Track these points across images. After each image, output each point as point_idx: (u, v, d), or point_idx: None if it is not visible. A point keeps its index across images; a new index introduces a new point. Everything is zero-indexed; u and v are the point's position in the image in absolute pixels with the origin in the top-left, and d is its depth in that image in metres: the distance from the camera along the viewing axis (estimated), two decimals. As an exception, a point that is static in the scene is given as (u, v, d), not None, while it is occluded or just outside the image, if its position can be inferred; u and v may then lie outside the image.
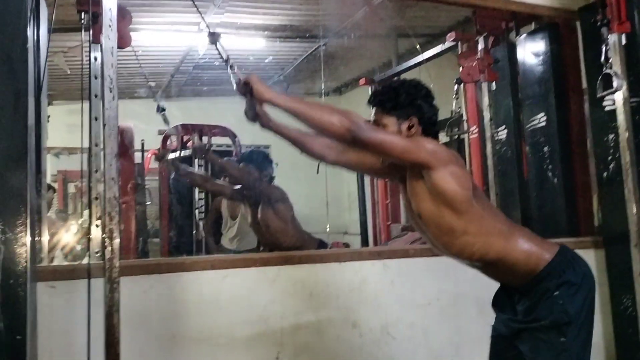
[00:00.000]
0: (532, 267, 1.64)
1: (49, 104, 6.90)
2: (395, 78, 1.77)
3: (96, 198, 2.01)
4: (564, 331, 1.60)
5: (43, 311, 1.96)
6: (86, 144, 2.14)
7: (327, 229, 3.23)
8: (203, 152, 3.79)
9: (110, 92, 1.72)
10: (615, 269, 2.92)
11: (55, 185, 6.78)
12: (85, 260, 2.06)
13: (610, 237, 2.97)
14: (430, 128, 1.72)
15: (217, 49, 1.87)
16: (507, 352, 1.77)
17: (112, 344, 1.64)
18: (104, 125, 1.71)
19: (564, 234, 3.05)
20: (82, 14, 2.26)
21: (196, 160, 4.81)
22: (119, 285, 1.72)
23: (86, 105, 2.16)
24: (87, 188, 2.19)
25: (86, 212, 2.13)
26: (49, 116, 5.65)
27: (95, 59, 2.22)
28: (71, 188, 7.69)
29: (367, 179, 5.99)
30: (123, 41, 2.32)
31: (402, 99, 1.69)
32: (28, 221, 1.47)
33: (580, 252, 1.78)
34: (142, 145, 4.41)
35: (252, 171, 3.28)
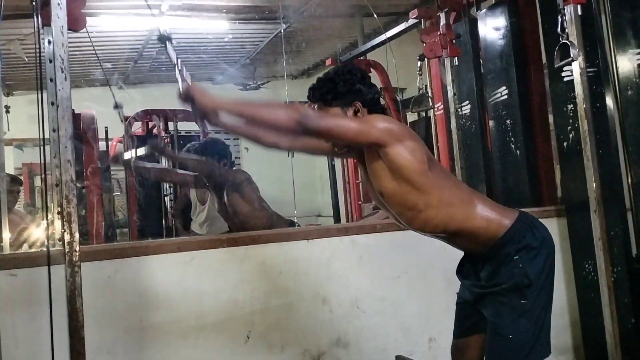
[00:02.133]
0: (492, 234, 1.68)
1: (9, 94, 6.75)
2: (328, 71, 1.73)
3: (57, 185, 1.96)
4: (525, 294, 1.64)
5: (4, 300, 1.93)
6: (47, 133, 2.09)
7: (295, 213, 3.23)
8: (158, 150, 3.72)
9: (62, 72, 1.68)
10: (577, 236, 3.00)
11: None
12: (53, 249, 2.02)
13: (571, 205, 3.04)
14: (375, 108, 1.74)
15: (166, 51, 1.79)
16: (471, 317, 1.82)
17: (75, 328, 1.61)
18: (57, 106, 1.67)
19: (528, 204, 3.11)
20: (32, -3, 2.19)
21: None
22: (80, 270, 1.69)
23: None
24: (44, 175, 2.14)
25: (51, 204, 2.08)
26: (8, 107, 5.52)
27: (49, 42, 2.16)
28: (37, 181, 7.52)
29: (337, 161, 6.01)
30: (77, 23, 2.26)
31: (341, 88, 1.70)
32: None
33: (544, 221, 1.82)
34: (106, 132, 4.33)
35: (210, 161, 3.24)
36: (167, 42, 1.87)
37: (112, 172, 5.21)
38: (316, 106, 1.75)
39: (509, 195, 3.25)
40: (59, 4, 1.70)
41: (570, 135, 2.98)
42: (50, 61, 2.10)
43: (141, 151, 3.87)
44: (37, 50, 2.14)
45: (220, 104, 1.54)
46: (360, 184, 5.34)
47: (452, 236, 1.72)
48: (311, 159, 8.23)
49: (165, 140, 4.80)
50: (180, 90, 1.58)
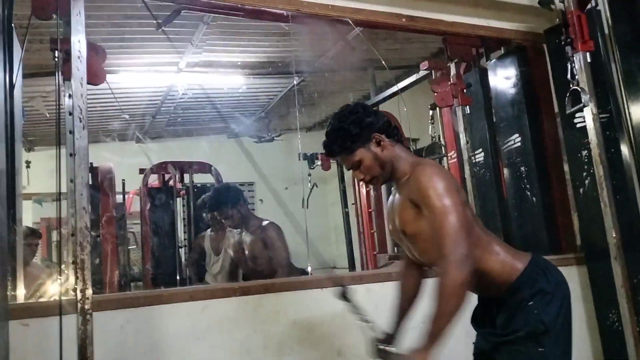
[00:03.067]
0: (506, 277, 1.64)
1: (30, 149, 6.91)
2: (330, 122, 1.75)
3: (72, 235, 1.98)
4: (541, 341, 1.59)
5: (16, 350, 1.91)
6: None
7: (309, 265, 3.20)
8: None
9: (80, 122, 1.72)
10: (598, 285, 2.92)
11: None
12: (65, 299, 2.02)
13: (591, 252, 2.98)
14: (391, 132, 1.75)
15: (353, 305, 1.85)
16: (489, 367, 1.75)
17: (85, 378, 1.59)
18: (74, 154, 1.71)
19: (546, 252, 3.04)
20: (55, 52, 2.29)
21: (178, 199, 4.81)
22: (92, 318, 1.67)
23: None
24: (60, 227, 2.15)
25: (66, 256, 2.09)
26: (28, 162, 5.63)
27: (69, 96, 2.23)
28: (55, 236, 7.58)
29: (352, 211, 6.00)
30: (97, 78, 2.34)
31: (353, 130, 1.70)
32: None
33: (563, 269, 1.79)
34: (123, 184, 4.39)
35: (223, 212, 3.27)
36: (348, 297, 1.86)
37: (128, 225, 5.26)
38: (342, 162, 1.77)
39: (527, 243, 3.19)
40: (79, 58, 1.76)
41: (586, 182, 2.96)
42: (70, 114, 2.17)
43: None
44: (57, 104, 2.21)
45: (431, 349, 1.54)
46: (374, 234, 5.30)
47: None
48: (325, 210, 8.23)
49: (181, 192, 4.86)
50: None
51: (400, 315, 1.89)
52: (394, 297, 2.58)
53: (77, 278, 1.65)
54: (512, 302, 1.63)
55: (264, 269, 3.21)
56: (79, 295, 1.63)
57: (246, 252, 3.31)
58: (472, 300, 1.84)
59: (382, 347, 1.76)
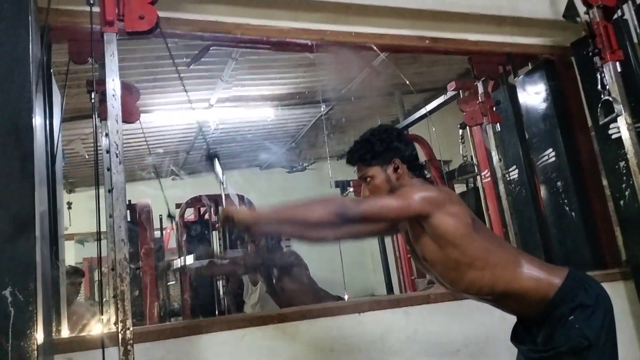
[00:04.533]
0: (543, 294, 1.60)
1: (71, 191, 7.14)
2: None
3: (112, 269, 2.03)
4: (585, 356, 1.53)
5: (61, 384, 1.95)
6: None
7: (345, 293, 3.18)
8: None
9: (117, 157, 1.78)
10: (648, 299, 2.80)
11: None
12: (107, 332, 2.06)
13: (637, 266, 2.87)
14: (414, 164, 1.75)
15: (213, 169, 1.93)
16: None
17: (128, 409, 1.60)
18: (112, 190, 1.76)
19: (590, 268, 2.95)
20: (92, 94, 2.38)
21: (215, 233, 4.87)
22: (133, 349, 1.70)
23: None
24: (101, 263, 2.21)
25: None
26: (70, 203, 5.81)
27: (106, 135, 2.31)
28: (97, 275, 7.74)
29: (388, 238, 5.95)
30: (132, 116, 2.44)
31: (378, 147, 1.73)
32: (39, 285, 1.49)
33: (608, 285, 1.74)
34: (161, 219, 4.48)
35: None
36: (215, 159, 1.95)
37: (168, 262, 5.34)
38: (356, 172, 1.79)
39: (569, 260, 3.10)
40: (114, 96, 1.84)
41: (626, 193, 2.87)
42: (107, 152, 2.25)
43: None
44: (95, 144, 2.30)
45: (258, 217, 1.61)
46: (411, 258, 5.24)
47: (500, 298, 1.65)
48: (361, 238, 8.19)
49: (217, 224, 4.91)
50: (220, 214, 1.67)
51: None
52: (432, 320, 2.56)
53: (117, 309, 1.68)
54: (552, 318, 1.58)
55: (292, 297, 3.22)
56: (120, 326, 1.66)
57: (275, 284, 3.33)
58: (512, 318, 1.80)
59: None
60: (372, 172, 1.74)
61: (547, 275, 1.63)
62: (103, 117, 2.27)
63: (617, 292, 1.73)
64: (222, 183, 2.01)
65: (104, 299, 2.10)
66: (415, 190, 1.63)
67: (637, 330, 2.84)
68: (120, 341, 1.69)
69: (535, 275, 1.62)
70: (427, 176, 1.84)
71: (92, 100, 2.37)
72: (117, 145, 1.78)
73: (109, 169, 2.16)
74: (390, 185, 1.73)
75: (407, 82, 4.59)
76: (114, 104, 1.83)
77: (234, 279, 4.38)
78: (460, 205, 1.65)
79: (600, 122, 2.77)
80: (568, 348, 1.55)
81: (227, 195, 2.03)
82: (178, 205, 4.68)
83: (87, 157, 5.20)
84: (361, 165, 1.76)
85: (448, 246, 1.61)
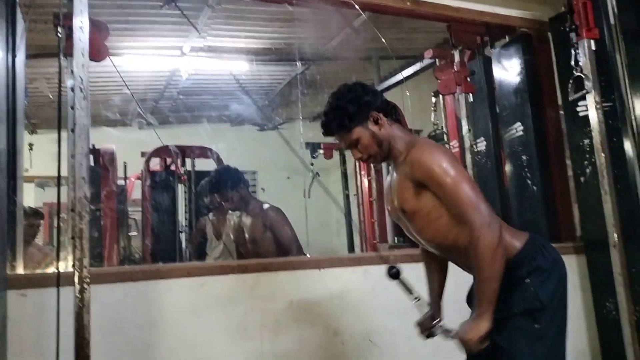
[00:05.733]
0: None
1: (33, 132, 6.92)
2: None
3: (72, 209, 1.98)
4: (538, 318, 1.59)
5: (14, 319, 1.92)
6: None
7: (308, 255, 3.20)
8: None
9: (81, 91, 1.72)
10: (596, 274, 2.92)
11: (41, 216, 6.69)
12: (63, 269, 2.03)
13: (590, 242, 2.98)
14: (389, 111, 1.75)
15: (403, 284, 1.86)
16: (484, 350, 1.75)
17: (81, 345, 1.60)
18: (74, 125, 1.71)
19: (545, 240, 3.05)
20: (58, 28, 2.28)
21: (180, 186, 4.82)
22: (89, 288, 1.68)
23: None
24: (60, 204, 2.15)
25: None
26: (31, 144, 5.61)
27: (72, 72, 2.23)
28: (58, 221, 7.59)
29: (353, 201, 6.00)
30: (99, 54, 2.34)
31: (351, 109, 1.70)
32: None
33: (562, 258, 1.78)
34: (125, 167, 4.40)
35: (223, 194, 3.26)
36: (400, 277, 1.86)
37: (129, 212, 5.27)
38: (339, 141, 1.77)
39: (526, 231, 3.19)
40: (81, 29, 1.77)
41: (587, 170, 2.95)
42: (72, 90, 2.17)
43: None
44: (59, 81, 2.22)
45: (488, 316, 1.55)
46: (374, 223, 5.31)
47: (461, 253, 1.67)
48: (328, 201, 8.24)
49: (182, 177, 4.86)
50: (464, 345, 1.62)
51: (435, 294, 1.94)
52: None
53: (74, 247, 1.65)
54: (509, 280, 1.62)
55: (265, 251, 3.21)
56: (77, 264, 1.64)
57: (246, 235, 3.31)
58: (467, 282, 1.85)
59: (434, 325, 1.83)
60: (357, 135, 1.72)
61: (509, 238, 1.67)
62: (69, 52, 2.18)
63: (569, 265, 1.79)
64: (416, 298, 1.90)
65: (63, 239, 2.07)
66: (451, 166, 1.60)
67: (584, 302, 2.97)
68: (76, 279, 1.67)
69: None
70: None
71: (59, 35, 2.28)
72: (81, 79, 1.72)
73: (72, 108, 2.10)
74: (377, 140, 1.72)
75: (387, 45, 4.54)
76: (81, 37, 1.76)
77: (197, 229, 4.36)
78: (464, 169, 1.72)
79: (570, 98, 2.82)
80: (522, 309, 1.60)
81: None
82: (144, 154, 4.60)
83: (51, 97, 5.02)
84: (342, 133, 1.73)
85: (431, 200, 1.65)
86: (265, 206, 3.32)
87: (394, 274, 1.83)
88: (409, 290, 1.83)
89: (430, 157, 1.61)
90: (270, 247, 3.20)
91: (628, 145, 2.82)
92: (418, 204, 1.66)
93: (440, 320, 1.85)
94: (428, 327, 1.85)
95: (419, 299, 1.83)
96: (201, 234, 4.37)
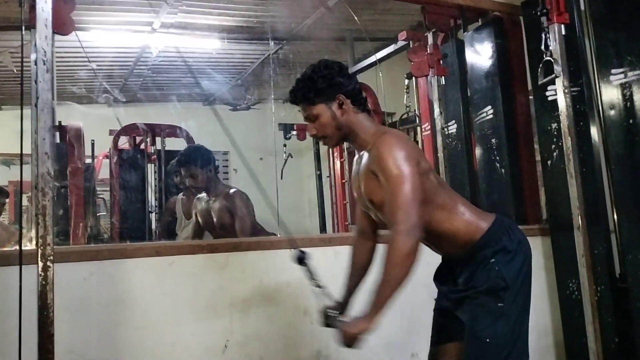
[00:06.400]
0: (470, 236, 1.67)
1: (-3, 109, 6.70)
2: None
3: (36, 186, 1.93)
4: (501, 296, 1.62)
5: (-26, 299, 1.87)
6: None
7: (279, 235, 3.19)
8: None
9: (44, 64, 1.67)
10: (561, 255, 3.00)
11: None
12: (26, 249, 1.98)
13: (555, 224, 3.05)
14: (358, 98, 1.73)
15: (308, 271, 1.80)
16: (449, 325, 1.80)
17: (45, 324, 1.57)
18: (37, 99, 1.66)
19: (512, 222, 3.10)
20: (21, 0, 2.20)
21: (150, 166, 4.75)
22: (54, 266, 1.65)
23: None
24: (28, 179, 2.10)
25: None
26: (-6, 121, 5.43)
27: (35, 45, 2.15)
28: (24, 201, 7.44)
29: (326, 183, 6.01)
30: (64, 27, 2.26)
31: (320, 84, 1.68)
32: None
33: (528, 240, 1.81)
34: (93, 145, 4.31)
35: (190, 170, 3.20)
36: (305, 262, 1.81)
37: (98, 192, 5.18)
38: (301, 111, 1.75)
39: (493, 213, 3.24)
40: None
41: (554, 154, 3.01)
42: (35, 64, 2.10)
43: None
44: (22, 55, 2.14)
45: (374, 320, 1.56)
46: (347, 205, 5.34)
47: (432, 236, 1.70)
48: (300, 182, 8.22)
49: (152, 156, 4.79)
50: (341, 339, 1.63)
51: (350, 285, 1.91)
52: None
53: (38, 224, 1.61)
54: (474, 259, 1.66)
55: (232, 236, 3.19)
56: (40, 242, 1.60)
57: (214, 219, 3.28)
58: (434, 264, 1.87)
59: (330, 314, 1.77)
60: (317, 111, 1.70)
61: (476, 219, 1.70)
62: (32, 24, 2.11)
63: (534, 246, 1.84)
64: (319, 287, 1.85)
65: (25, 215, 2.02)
66: (405, 162, 1.57)
67: (548, 283, 3.04)
68: (39, 257, 1.63)
69: (466, 217, 1.69)
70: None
71: (21, 5, 2.20)
72: (44, 52, 1.66)
73: (36, 82, 2.03)
74: (336, 123, 1.70)
75: (361, 27, 4.53)
76: (44, 7, 1.70)
77: (167, 208, 4.31)
78: (423, 156, 1.70)
79: (540, 82, 2.85)
80: (486, 287, 1.64)
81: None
82: (112, 132, 4.51)
83: (15, 71, 4.86)
84: (305, 104, 1.71)
85: None
86: (232, 191, 3.29)
87: (300, 259, 1.81)
88: (312, 277, 1.80)
89: (387, 150, 1.59)
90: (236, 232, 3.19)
91: (594, 130, 2.88)
92: (384, 196, 1.66)
93: (340, 313, 1.81)
94: (328, 316, 1.81)
95: (321, 287, 1.80)
96: (170, 214, 4.33)
